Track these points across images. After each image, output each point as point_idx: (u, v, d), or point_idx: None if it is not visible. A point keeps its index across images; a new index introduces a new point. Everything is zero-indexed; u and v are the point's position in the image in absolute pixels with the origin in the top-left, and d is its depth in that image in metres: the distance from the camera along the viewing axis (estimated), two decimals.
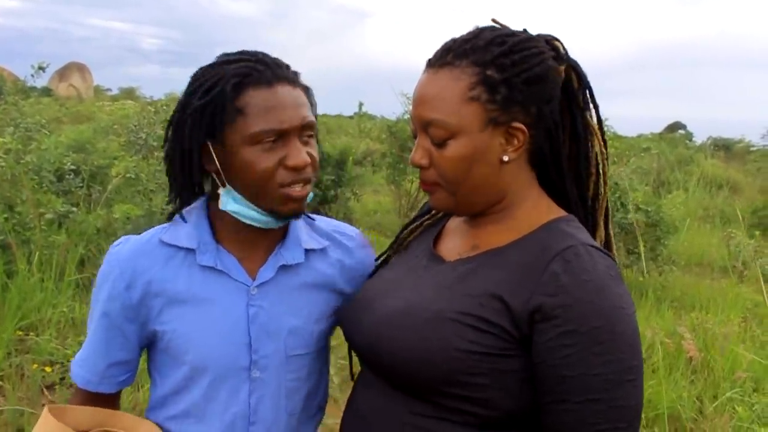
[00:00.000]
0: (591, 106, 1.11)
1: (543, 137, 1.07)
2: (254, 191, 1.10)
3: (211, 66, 1.13)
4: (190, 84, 1.13)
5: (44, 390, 3.26)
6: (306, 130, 1.11)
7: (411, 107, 1.09)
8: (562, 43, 1.08)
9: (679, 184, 12.22)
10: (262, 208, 1.12)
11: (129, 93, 26.00)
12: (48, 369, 3.38)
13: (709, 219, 9.98)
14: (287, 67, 1.13)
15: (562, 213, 1.08)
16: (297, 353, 1.19)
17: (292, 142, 1.09)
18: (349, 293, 1.26)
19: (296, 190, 1.10)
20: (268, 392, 1.16)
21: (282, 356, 1.17)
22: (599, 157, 1.12)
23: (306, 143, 1.11)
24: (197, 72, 1.14)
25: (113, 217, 4.82)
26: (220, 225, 1.18)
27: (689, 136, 25.72)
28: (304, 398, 1.22)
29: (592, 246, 0.99)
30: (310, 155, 1.11)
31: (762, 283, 4.74)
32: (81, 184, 5.54)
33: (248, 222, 1.14)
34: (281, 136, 1.08)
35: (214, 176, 1.14)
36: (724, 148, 20.22)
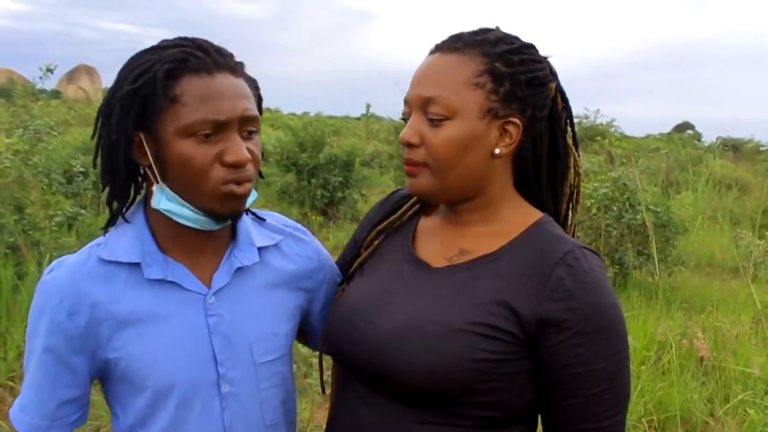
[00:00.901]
0: (570, 129, 1.15)
1: (529, 145, 1.09)
2: (189, 189, 1.01)
3: (145, 51, 1.03)
4: (122, 70, 1.03)
5: None
6: (247, 123, 1.02)
7: (408, 90, 1.07)
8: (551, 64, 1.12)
9: (688, 184, 12.16)
10: (198, 207, 1.02)
11: None
12: None
13: (719, 219, 9.92)
14: (230, 55, 1.05)
15: (540, 213, 1.11)
16: (267, 359, 1.11)
17: (231, 136, 0.99)
18: (310, 288, 1.21)
19: (235, 188, 1.00)
20: (241, 406, 1.08)
21: (250, 366, 1.09)
22: (575, 179, 1.15)
23: (247, 138, 1.02)
24: (130, 58, 1.04)
25: None
26: (161, 232, 1.07)
27: (698, 136, 25.63)
28: (281, 406, 1.15)
29: (585, 247, 1.04)
30: (251, 152, 1.02)
31: None
32: (90, 186, 5.57)
33: (183, 222, 1.04)
34: (219, 128, 0.98)
35: (148, 171, 1.05)
36: (733, 148, 20.12)
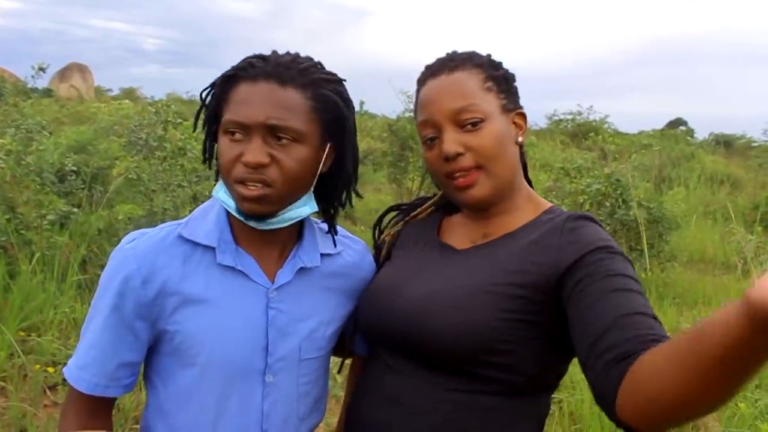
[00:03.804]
0: None
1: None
2: (225, 183, 1.11)
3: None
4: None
5: (46, 390, 3.27)
6: (277, 131, 1.06)
7: (426, 112, 1.19)
8: None
9: (680, 180, 12.22)
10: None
11: (129, 93, 26.03)
12: (50, 369, 3.39)
13: (711, 215, 9.97)
14: (292, 68, 1.09)
15: (549, 203, 1.24)
16: (310, 356, 1.18)
17: (254, 139, 1.06)
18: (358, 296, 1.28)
19: (246, 187, 1.06)
20: (280, 397, 1.15)
21: (295, 360, 1.16)
22: None
23: (278, 146, 1.06)
24: None
25: (115, 218, 4.82)
26: (235, 224, 1.16)
27: (690, 132, 25.68)
28: (314, 401, 1.21)
29: (584, 215, 1.16)
30: (275, 158, 1.06)
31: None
32: (82, 185, 5.55)
33: (233, 213, 1.12)
34: (244, 130, 1.06)
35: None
36: (725, 144, 20.20)
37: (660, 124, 28.64)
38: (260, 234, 1.15)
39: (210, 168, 1.20)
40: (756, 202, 10.38)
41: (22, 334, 3.64)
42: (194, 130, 1.22)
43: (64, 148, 6.52)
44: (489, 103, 1.16)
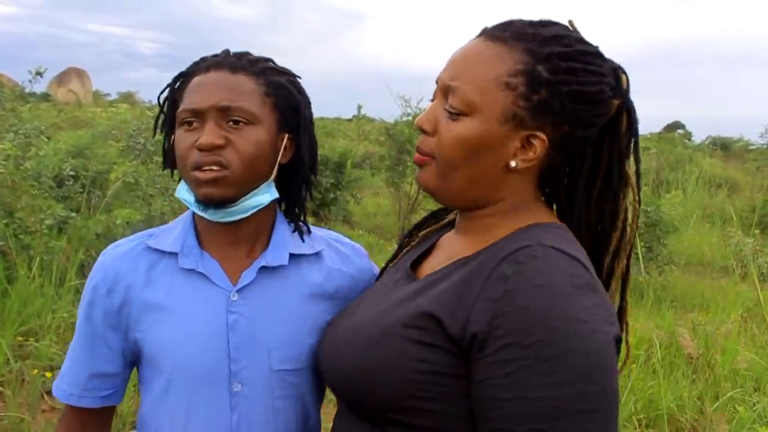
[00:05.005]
0: (633, 155, 0.99)
1: (561, 160, 0.96)
2: (182, 175, 1.08)
3: None
4: None
5: (44, 395, 3.26)
6: (229, 114, 1.04)
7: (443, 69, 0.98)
8: (627, 78, 0.96)
9: (678, 183, 12.24)
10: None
11: (127, 97, 26.05)
12: (48, 374, 3.38)
13: (708, 218, 9.99)
14: (242, 58, 1.09)
15: (550, 219, 0.96)
16: (285, 368, 1.09)
17: (207, 123, 1.03)
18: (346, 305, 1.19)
19: (202, 172, 1.03)
20: (252, 410, 1.07)
21: (265, 370, 1.08)
22: (629, 212, 1.00)
23: (232, 129, 1.04)
24: None
25: (113, 222, 4.82)
26: (201, 227, 1.13)
27: (688, 135, 25.76)
28: (298, 420, 1.12)
29: (558, 248, 0.84)
30: (229, 140, 1.03)
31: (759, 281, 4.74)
32: (81, 190, 5.55)
33: (193, 210, 1.09)
34: (198, 117, 1.04)
35: None
36: (723, 147, 20.25)
37: (658, 128, 28.71)
38: (225, 234, 1.11)
39: (172, 174, 1.17)
40: (754, 204, 10.40)
41: (20, 338, 3.63)
42: (154, 136, 1.20)
43: (63, 152, 6.52)
44: (490, 100, 0.89)
